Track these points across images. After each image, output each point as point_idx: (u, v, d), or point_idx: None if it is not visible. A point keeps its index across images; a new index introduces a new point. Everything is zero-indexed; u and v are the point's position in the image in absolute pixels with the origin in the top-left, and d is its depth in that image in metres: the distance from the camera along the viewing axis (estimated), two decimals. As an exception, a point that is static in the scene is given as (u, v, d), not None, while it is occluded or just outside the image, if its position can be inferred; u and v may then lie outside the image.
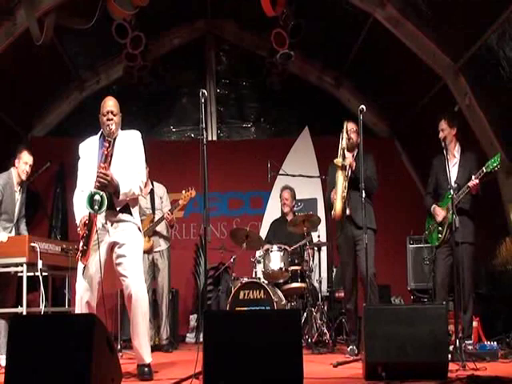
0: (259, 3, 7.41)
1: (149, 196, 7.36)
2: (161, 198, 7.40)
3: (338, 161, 5.95)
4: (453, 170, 5.84)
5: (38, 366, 3.38)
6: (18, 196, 6.27)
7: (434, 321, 4.06)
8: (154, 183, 7.44)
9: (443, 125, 5.97)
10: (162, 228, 7.28)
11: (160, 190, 7.45)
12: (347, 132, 6.12)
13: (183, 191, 7.04)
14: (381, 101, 9.38)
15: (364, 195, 5.27)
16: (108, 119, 4.70)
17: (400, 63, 8.03)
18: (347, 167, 5.96)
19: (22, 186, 6.34)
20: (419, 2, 6.92)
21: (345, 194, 5.89)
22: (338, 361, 5.16)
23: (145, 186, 7.11)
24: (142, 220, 7.11)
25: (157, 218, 7.21)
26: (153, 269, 7.26)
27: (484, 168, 5.57)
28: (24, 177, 6.27)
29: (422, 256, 7.57)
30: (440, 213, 5.94)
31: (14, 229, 6.20)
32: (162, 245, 7.29)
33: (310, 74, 10.06)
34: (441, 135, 5.91)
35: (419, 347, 3.98)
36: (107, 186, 4.49)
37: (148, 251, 7.17)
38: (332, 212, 5.93)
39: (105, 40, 8.27)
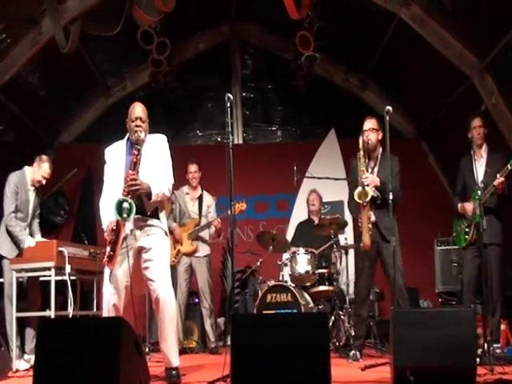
0: (284, 6, 7.41)
1: (197, 201, 7.55)
2: (208, 206, 7.58)
3: (359, 197, 5.53)
4: (480, 171, 5.77)
5: (65, 368, 3.41)
6: (31, 195, 6.29)
7: (461, 324, 3.99)
8: (204, 192, 7.63)
9: (479, 122, 5.89)
10: (204, 234, 7.42)
11: (209, 199, 7.64)
12: (364, 133, 5.79)
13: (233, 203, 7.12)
14: (407, 101, 9.32)
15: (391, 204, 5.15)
16: (136, 125, 4.72)
17: (426, 63, 7.97)
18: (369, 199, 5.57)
19: (36, 188, 6.36)
20: (444, 1, 6.88)
21: (370, 225, 5.56)
22: (365, 364, 5.14)
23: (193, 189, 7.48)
24: (186, 223, 7.37)
25: (202, 224, 7.39)
26: (189, 272, 7.37)
27: (509, 165, 5.48)
28: (36, 185, 6.32)
29: (450, 258, 7.48)
30: (469, 207, 5.86)
31: (27, 229, 6.23)
32: (201, 251, 7.40)
33: (335, 76, 10.04)
34: (479, 132, 5.85)
35: (447, 351, 3.91)
36: (138, 191, 4.53)
37: (189, 254, 7.29)
38: (361, 244, 5.64)
39: (130, 46, 8.32)
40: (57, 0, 7.02)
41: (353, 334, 6.35)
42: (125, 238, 4.56)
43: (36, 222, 6.41)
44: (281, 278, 7.20)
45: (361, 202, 5.55)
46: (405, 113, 9.62)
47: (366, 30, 8.42)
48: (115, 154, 4.86)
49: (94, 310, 6.32)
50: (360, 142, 5.77)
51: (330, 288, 7.07)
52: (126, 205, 4.40)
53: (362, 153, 5.73)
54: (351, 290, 7.31)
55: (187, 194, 7.55)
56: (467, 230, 5.82)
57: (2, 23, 6.93)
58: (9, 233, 6.06)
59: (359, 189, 5.57)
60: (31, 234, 6.22)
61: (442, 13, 7.12)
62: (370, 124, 5.84)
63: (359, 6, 7.89)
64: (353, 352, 5.78)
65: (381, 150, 5.85)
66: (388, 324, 4.36)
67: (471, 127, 5.91)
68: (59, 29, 7.07)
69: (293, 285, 6.85)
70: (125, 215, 4.39)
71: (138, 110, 4.80)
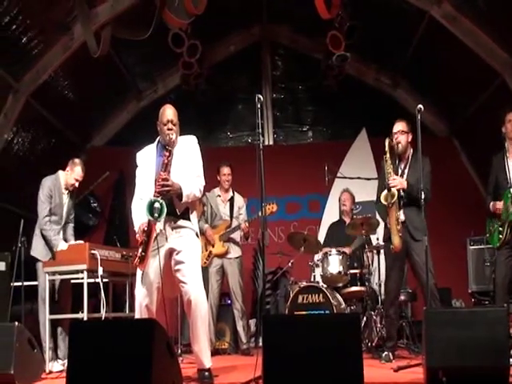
0: (314, 6, 7.39)
1: (228, 203, 7.59)
2: (239, 208, 7.61)
3: (385, 199, 5.55)
4: (512, 168, 5.68)
5: (98, 370, 3.45)
6: (65, 199, 6.35)
7: (494, 324, 3.93)
8: (235, 193, 7.66)
9: None
10: (236, 236, 7.47)
11: (240, 200, 7.67)
12: (393, 136, 5.73)
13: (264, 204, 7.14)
14: (439, 100, 9.23)
15: (420, 204, 5.09)
16: (168, 129, 4.74)
17: (457, 60, 7.90)
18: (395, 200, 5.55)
19: (70, 191, 6.42)
20: (475, -2, 6.82)
21: (399, 226, 5.52)
22: (398, 365, 5.10)
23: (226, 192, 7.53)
24: (217, 225, 7.39)
25: (233, 225, 7.42)
26: (221, 274, 7.41)
27: None
28: (70, 188, 6.38)
29: (483, 257, 7.39)
30: (499, 206, 5.74)
31: (61, 232, 6.29)
32: (233, 252, 7.44)
33: (366, 76, 10.00)
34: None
35: (479, 351, 3.86)
36: (170, 191, 4.56)
37: (221, 255, 7.34)
38: (391, 246, 5.61)
39: (161, 49, 8.38)
40: (88, 5, 7.11)
41: (385, 334, 6.32)
42: (155, 238, 4.59)
43: (71, 226, 6.46)
44: (312, 279, 7.19)
45: (386, 203, 5.54)
46: (437, 111, 9.53)
47: (397, 28, 8.38)
48: (146, 157, 4.90)
49: (127, 311, 6.38)
50: (386, 144, 5.72)
51: (362, 288, 7.04)
52: (157, 205, 4.44)
53: (388, 155, 5.70)
54: (383, 290, 7.27)
55: (218, 196, 7.58)
56: (501, 229, 5.73)
57: (35, 29, 7.05)
58: (43, 236, 6.14)
59: (385, 191, 5.56)
60: (65, 239, 6.27)
61: (474, 10, 7.06)
62: (399, 126, 5.78)
63: (390, 4, 7.88)
64: (385, 353, 5.74)
65: (411, 151, 5.80)
66: (421, 324, 4.33)
67: (506, 120, 5.80)
68: (90, 34, 7.16)
69: (324, 285, 6.82)
70: (156, 215, 4.44)
71: (169, 112, 4.81)
